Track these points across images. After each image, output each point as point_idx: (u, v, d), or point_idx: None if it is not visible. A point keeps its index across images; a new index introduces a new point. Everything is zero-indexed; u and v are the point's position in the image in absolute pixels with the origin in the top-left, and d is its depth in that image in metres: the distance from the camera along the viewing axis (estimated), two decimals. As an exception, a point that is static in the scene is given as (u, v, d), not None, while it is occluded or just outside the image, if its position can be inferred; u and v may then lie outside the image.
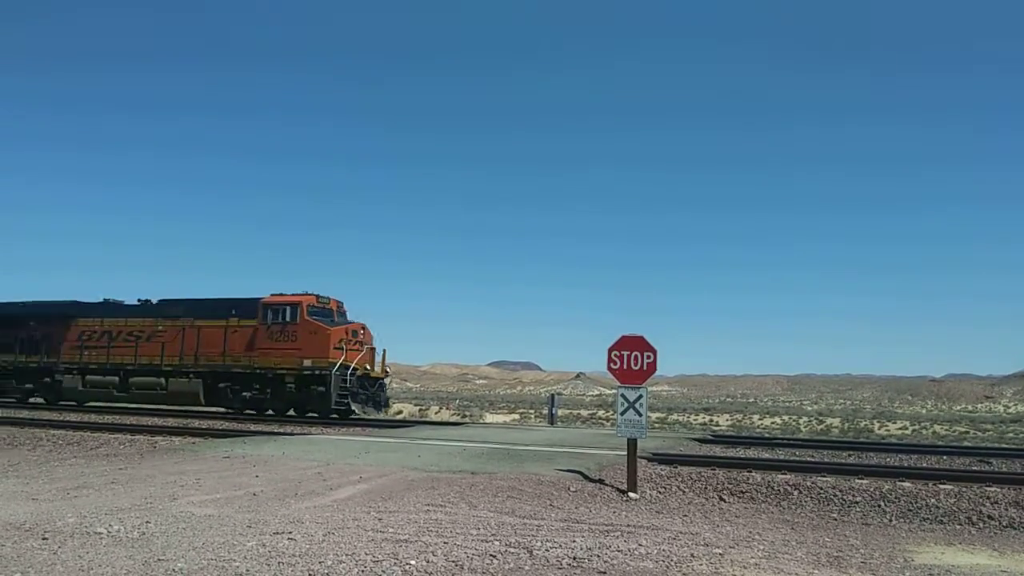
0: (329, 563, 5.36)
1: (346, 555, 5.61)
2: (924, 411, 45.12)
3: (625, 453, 9.88)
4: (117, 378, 24.86)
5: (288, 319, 22.74)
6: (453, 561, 5.56)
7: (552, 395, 29.49)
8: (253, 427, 19.27)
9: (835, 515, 8.94)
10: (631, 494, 9.35)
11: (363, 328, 23.78)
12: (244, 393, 23.12)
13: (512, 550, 6.00)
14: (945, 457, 14.85)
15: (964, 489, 9.92)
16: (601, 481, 9.99)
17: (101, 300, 27.12)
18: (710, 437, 18.64)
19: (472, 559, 5.65)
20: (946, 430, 31.30)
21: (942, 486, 10.14)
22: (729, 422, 42.49)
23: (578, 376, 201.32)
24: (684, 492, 9.87)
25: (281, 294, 23.31)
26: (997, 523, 8.58)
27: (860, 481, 10.43)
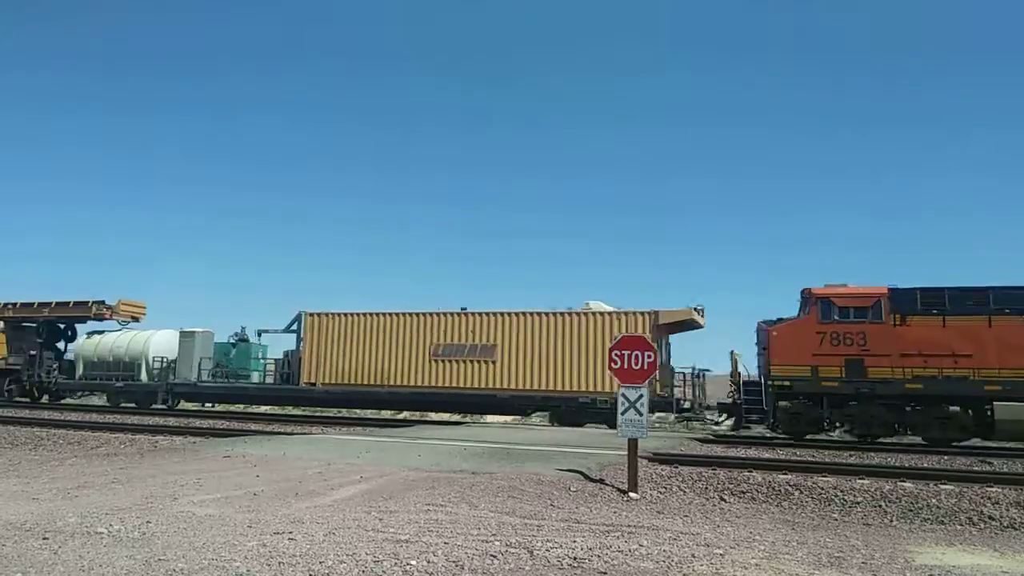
0: (330, 563, 5.36)
1: (347, 555, 5.61)
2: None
3: (626, 453, 9.87)
4: None
5: None
6: (454, 561, 5.55)
7: None
8: (254, 427, 19.29)
9: (836, 515, 8.94)
10: (632, 494, 9.35)
11: None
12: None
13: (513, 550, 6.00)
14: (946, 457, 14.83)
15: (965, 489, 9.92)
16: (602, 481, 9.99)
17: None
18: (711, 437, 18.61)
19: (473, 559, 5.64)
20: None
21: (943, 486, 10.14)
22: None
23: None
24: (685, 492, 9.86)
25: None
26: (998, 523, 8.57)
27: (861, 481, 10.43)
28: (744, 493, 9.86)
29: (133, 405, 26.94)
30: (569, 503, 8.55)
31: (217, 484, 9.09)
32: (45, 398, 30.66)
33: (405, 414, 26.85)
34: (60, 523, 6.66)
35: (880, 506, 9.22)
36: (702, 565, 5.82)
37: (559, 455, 12.50)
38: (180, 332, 27.71)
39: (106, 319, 29.90)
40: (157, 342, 28.04)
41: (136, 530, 6.41)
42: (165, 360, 27.48)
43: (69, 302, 30.11)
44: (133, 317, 30.44)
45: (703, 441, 17.28)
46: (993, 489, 9.97)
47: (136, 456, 12.47)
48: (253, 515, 7.19)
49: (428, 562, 5.50)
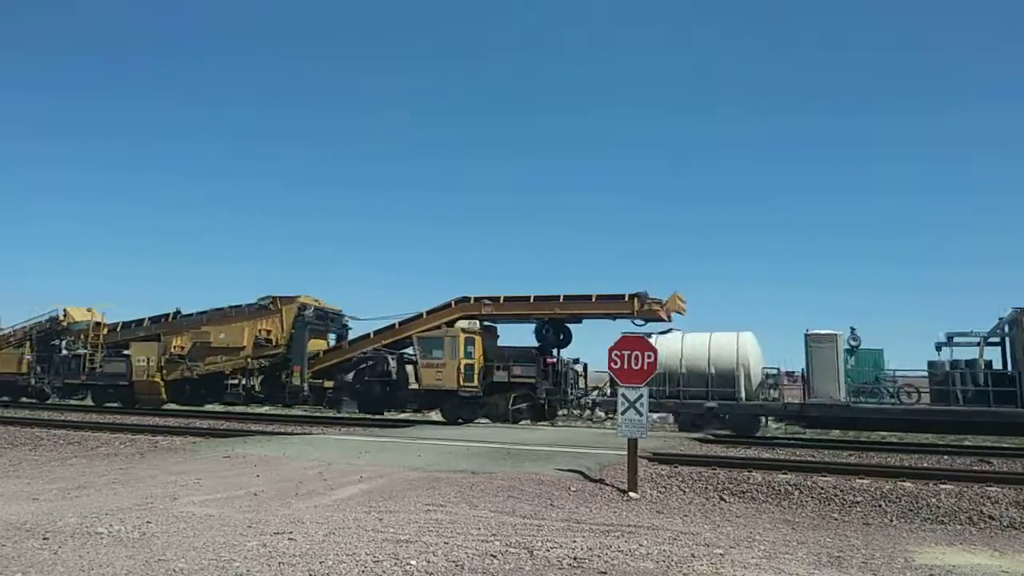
0: (330, 563, 5.37)
1: (347, 555, 5.61)
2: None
3: (625, 453, 9.87)
4: None
5: None
6: (453, 561, 5.56)
7: None
8: (254, 427, 19.28)
9: (836, 515, 8.94)
10: (632, 494, 9.35)
11: None
12: None
13: (512, 550, 6.00)
14: (946, 457, 14.84)
15: (965, 489, 9.92)
16: (602, 481, 9.99)
17: None
18: (711, 437, 18.61)
19: (472, 559, 5.65)
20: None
21: (943, 486, 10.15)
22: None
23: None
24: (685, 492, 9.87)
25: None
26: (998, 523, 8.58)
27: (861, 481, 10.43)
28: (744, 493, 9.86)
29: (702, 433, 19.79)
30: (569, 503, 8.56)
31: (217, 484, 9.09)
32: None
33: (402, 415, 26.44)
34: (60, 523, 6.67)
35: (880, 506, 9.22)
36: (702, 564, 5.82)
37: (559, 455, 12.50)
38: (807, 334, 20.16)
39: (656, 318, 22.07)
40: (751, 348, 20.79)
41: (136, 530, 6.42)
42: (779, 372, 20.72)
43: (590, 295, 22.53)
44: (668, 316, 22.70)
45: (703, 441, 17.28)
46: (993, 489, 9.97)
47: (136, 456, 12.48)
48: (253, 515, 7.19)
49: (428, 562, 5.50)
